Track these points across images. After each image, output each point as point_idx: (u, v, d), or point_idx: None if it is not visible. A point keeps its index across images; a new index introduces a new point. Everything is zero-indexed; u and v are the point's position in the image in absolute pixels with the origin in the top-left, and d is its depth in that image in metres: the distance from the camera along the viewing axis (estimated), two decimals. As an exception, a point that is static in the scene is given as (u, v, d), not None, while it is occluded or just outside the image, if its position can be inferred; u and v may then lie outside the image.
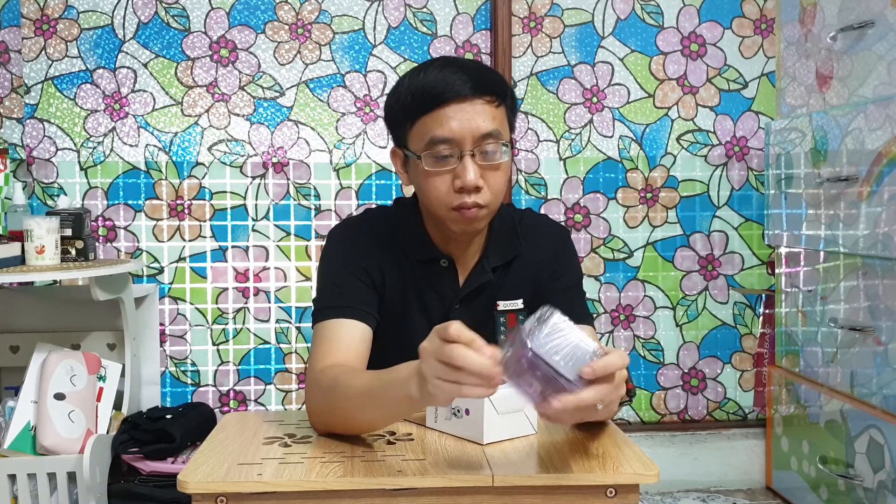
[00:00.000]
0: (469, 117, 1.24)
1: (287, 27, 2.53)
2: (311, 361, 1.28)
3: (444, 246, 1.38)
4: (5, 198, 2.23)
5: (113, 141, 2.49)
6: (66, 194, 2.45)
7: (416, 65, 1.32)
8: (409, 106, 1.27)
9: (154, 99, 2.49)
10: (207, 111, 2.51)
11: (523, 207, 1.59)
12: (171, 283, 2.51)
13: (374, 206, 1.59)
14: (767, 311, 2.69)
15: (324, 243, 1.40)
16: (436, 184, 1.26)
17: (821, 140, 2.23)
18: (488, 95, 1.26)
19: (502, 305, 1.39)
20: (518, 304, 1.40)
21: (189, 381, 2.53)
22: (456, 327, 0.95)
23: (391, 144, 1.37)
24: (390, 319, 1.36)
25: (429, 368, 0.97)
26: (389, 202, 1.52)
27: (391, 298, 1.36)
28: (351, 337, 1.28)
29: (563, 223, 2.61)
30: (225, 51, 2.51)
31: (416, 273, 1.37)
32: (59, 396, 2.05)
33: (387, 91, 2.55)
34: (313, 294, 1.35)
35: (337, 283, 1.34)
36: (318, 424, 1.21)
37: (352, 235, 1.39)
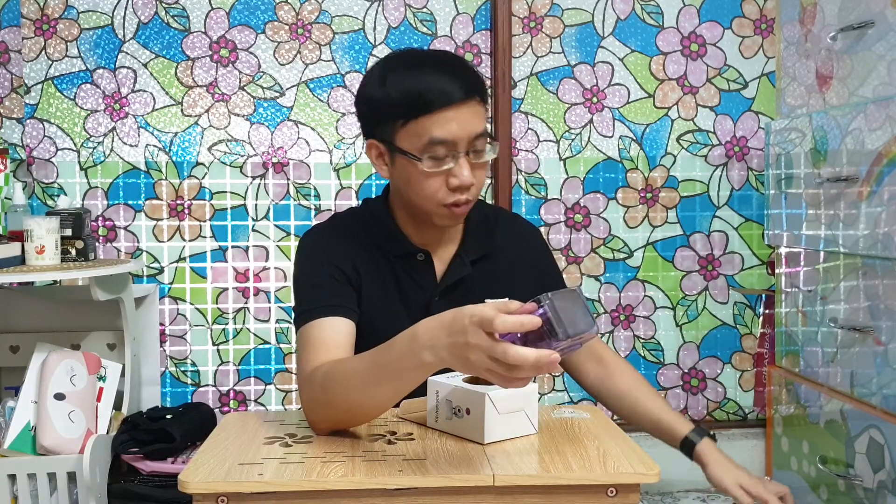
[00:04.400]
0: (465, 119, 1.28)
1: (287, 27, 2.53)
2: (301, 365, 1.28)
3: (419, 239, 1.41)
4: (5, 198, 2.22)
5: (113, 141, 2.49)
6: (66, 194, 2.45)
7: (393, 57, 1.34)
8: (401, 105, 1.29)
9: (154, 99, 2.49)
10: (207, 111, 2.51)
11: (515, 208, 1.61)
12: (171, 283, 2.51)
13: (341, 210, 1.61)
14: (767, 311, 2.69)
15: (295, 251, 1.43)
16: (431, 183, 1.30)
17: (821, 140, 2.23)
18: (476, 97, 1.31)
19: (490, 302, 1.41)
20: (506, 301, 1.43)
21: (189, 381, 2.53)
22: (501, 323, 0.96)
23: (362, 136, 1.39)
24: (372, 314, 1.37)
25: (480, 361, 0.98)
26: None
27: (370, 293, 1.38)
28: (336, 334, 1.30)
29: (563, 223, 2.62)
30: (225, 51, 2.51)
31: (393, 267, 1.40)
32: (59, 396, 2.05)
33: (387, 91, 2.55)
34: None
35: (315, 284, 1.36)
36: (320, 423, 1.21)
37: (322, 238, 1.42)
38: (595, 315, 2.63)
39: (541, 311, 0.98)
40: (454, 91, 1.27)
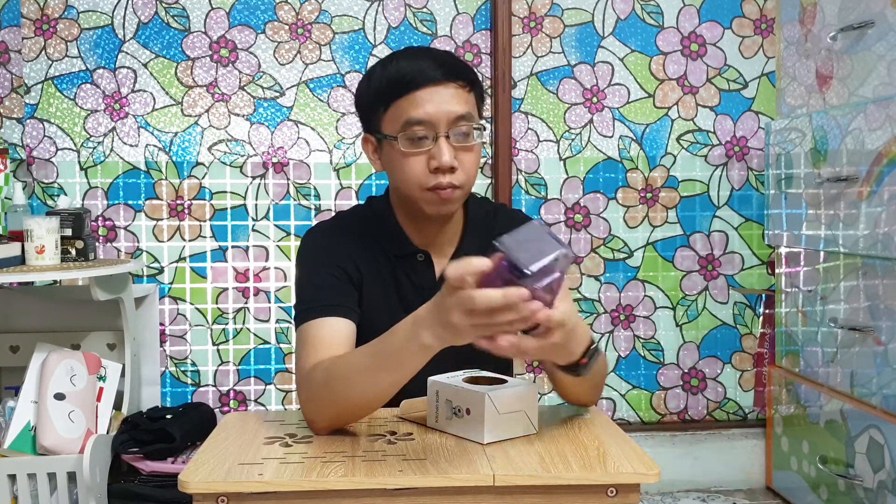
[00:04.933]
0: (443, 100, 1.28)
1: (287, 27, 2.53)
2: (299, 364, 1.28)
3: (419, 239, 1.40)
4: (5, 198, 2.22)
5: (113, 141, 2.49)
6: (66, 194, 2.45)
7: (387, 54, 1.36)
8: (383, 91, 1.31)
9: (154, 99, 2.49)
10: (207, 111, 2.51)
11: (516, 208, 1.60)
12: (171, 283, 2.51)
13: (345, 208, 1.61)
14: (767, 311, 2.69)
15: (297, 249, 1.42)
16: (411, 164, 1.30)
17: (821, 140, 2.23)
18: (460, 80, 1.31)
19: None
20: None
21: (189, 381, 2.53)
22: (452, 270, 0.98)
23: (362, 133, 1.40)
24: (372, 314, 1.37)
25: (460, 320, 0.99)
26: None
27: (371, 294, 1.38)
28: (335, 333, 1.29)
29: (563, 223, 2.62)
30: (225, 51, 2.51)
31: (393, 268, 1.39)
32: (59, 396, 2.05)
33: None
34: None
35: (316, 283, 1.35)
36: (319, 421, 1.20)
37: (325, 237, 1.42)
38: (595, 315, 2.64)
39: (499, 254, 0.97)
40: (429, 71, 1.28)
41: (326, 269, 1.36)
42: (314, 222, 2.54)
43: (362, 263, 1.38)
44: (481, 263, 0.97)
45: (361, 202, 1.52)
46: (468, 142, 1.31)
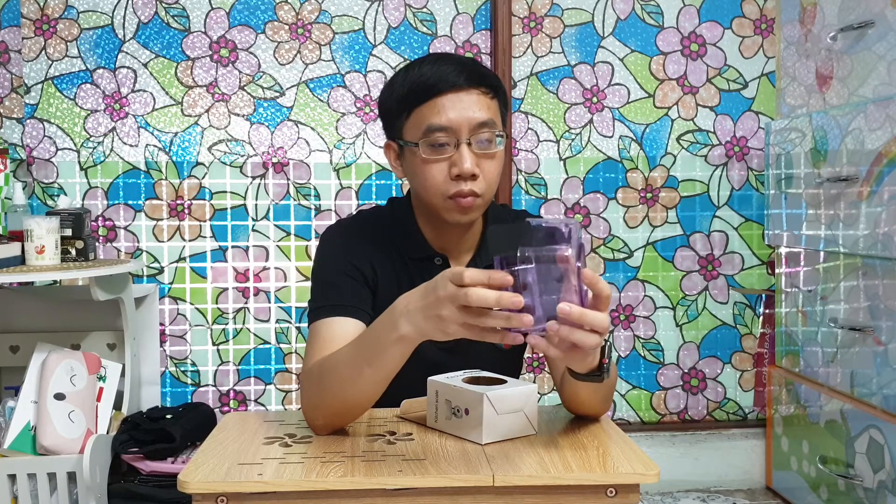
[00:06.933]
0: (465, 106, 1.27)
1: (287, 27, 2.53)
2: (305, 361, 1.29)
3: (438, 243, 1.39)
4: (5, 198, 2.22)
5: (113, 141, 2.49)
6: (66, 194, 2.46)
7: (410, 61, 1.35)
8: (405, 97, 1.31)
9: (154, 99, 2.49)
10: (207, 111, 2.51)
11: (521, 209, 1.59)
12: (171, 283, 2.51)
13: (368, 206, 1.60)
14: (767, 311, 2.69)
15: (316, 245, 1.42)
16: (432, 172, 1.29)
17: (821, 140, 2.23)
18: (483, 87, 1.30)
19: None
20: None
21: (189, 381, 2.53)
22: (470, 275, 0.97)
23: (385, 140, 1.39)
24: None
25: (451, 315, 1.00)
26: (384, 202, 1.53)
27: (385, 296, 1.37)
28: (344, 333, 1.28)
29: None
30: (225, 51, 2.51)
31: (410, 271, 1.38)
32: (59, 396, 2.05)
33: (387, 91, 2.55)
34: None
35: (330, 282, 1.35)
36: (317, 419, 1.20)
37: (344, 235, 1.41)
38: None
39: (503, 264, 0.97)
40: (451, 77, 1.27)
41: (342, 268, 1.35)
42: (314, 222, 2.55)
43: (378, 264, 1.37)
44: (500, 275, 0.96)
45: (381, 202, 1.51)
46: (490, 149, 1.29)
